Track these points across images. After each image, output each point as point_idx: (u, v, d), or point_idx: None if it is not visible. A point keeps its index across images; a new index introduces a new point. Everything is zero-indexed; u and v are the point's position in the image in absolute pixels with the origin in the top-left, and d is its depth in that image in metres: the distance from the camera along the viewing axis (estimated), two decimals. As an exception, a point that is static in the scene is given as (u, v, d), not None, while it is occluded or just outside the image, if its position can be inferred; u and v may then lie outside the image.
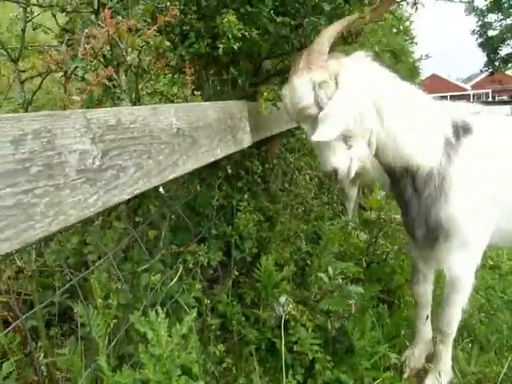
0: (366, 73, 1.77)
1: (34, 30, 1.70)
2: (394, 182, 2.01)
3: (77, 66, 1.09)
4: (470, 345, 2.49)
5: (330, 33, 1.77)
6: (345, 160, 1.75)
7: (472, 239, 1.96)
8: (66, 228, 0.83)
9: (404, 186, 1.95)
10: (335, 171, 1.76)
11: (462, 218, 1.90)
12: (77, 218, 0.86)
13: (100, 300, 1.24)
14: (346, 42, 2.28)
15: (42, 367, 1.40)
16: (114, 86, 1.30)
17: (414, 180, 1.91)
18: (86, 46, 1.08)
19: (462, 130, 1.93)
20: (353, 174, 1.78)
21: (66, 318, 1.91)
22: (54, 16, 1.63)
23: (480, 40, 25.96)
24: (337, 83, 1.71)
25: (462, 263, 2.00)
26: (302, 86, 1.71)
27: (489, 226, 2.00)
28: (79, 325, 1.58)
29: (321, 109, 1.69)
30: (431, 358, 2.29)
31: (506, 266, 3.68)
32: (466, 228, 1.91)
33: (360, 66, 1.78)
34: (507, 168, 1.98)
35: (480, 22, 25.54)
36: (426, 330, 2.37)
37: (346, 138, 1.74)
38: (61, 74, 1.13)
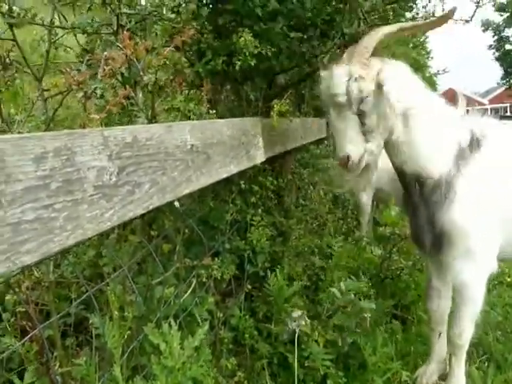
0: (404, 75, 1.89)
1: (56, 49, 1.77)
2: (404, 189, 2.06)
3: (96, 87, 1.13)
4: (485, 363, 2.46)
5: (380, 33, 1.85)
6: (359, 150, 1.82)
7: (476, 247, 1.97)
8: (83, 241, 0.87)
9: (412, 193, 2.01)
10: (348, 158, 1.81)
11: (465, 225, 1.92)
12: (93, 231, 0.90)
13: (116, 312, 1.27)
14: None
15: (58, 377, 1.43)
16: (132, 104, 1.35)
17: (422, 187, 1.96)
18: (105, 67, 1.13)
19: (477, 142, 1.97)
20: (362, 166, 1.85)
21: (82, 328, 1.94)
22: (76, 36, 1.70)
23: (497, 54, 25.86)
24: (377, 79, 1.79)
25: (467, 271, 2.00)
26: (338, 76, 1.80)
27: (494, 236, 2.00)
28: (94, 335, 1.61)
29: (350, 100, 1.77)
30: (445, 377, 2.27)
31: (523, 283, 3.63)
32: (468, 235, 1.93)
33: (400, 68, 1.90)
34: (508, 176, 1.99)
35: (496, 37, 25.47)
36: (440, 348, 2.35)
37: (366, 132, 1.83)
38: (81, 93, 1.18)
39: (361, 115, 1.80)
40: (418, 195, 2.00)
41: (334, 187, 4.02)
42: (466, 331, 2.10)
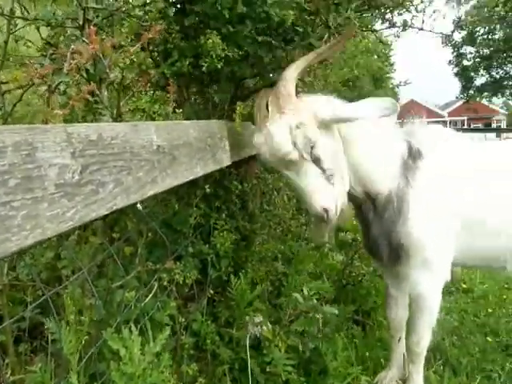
0: (336, 107, 1.79)
1: (16, 42, 1.70)
2: (356, 206, 2.07)
3: (61, 81, 1.09)
4: (442, 367, 2.52)
5: (292, 73, 1.76)
6: (332, 199, 1.74)
7: (433, 257, 2.01)
8: (43, 241, 0.83)
9: (365, 210, 2.02)
10: (326, 211, 1.72)
11: (421, 237, 1.96)
12: (53, 231, 0.86)
13: (72, 316, 1.22)
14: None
15: (10, 384, 1.37)
16: (96, 102, 1.31)
17: (375, 204, 1.98)
18: (71, 61, 1.09)
19: (417, 153, 1.99)
20: (339, 211, 1.77)
21: (37, 334, 1.87)
22: (38, 29, 1.64)
23: (456, 69, 26.83)
24: (321, 120, 1.73)
25: (424, 281, 2.05)
26: (279, 133, 1.68)
27: (449, 244, 2.05)
28: (50, 341, 1.55)
29: (301, 152, 1.68)
30: (405, 381, 2.31)
31: (479, 289, 3.75)
32: (425, 246, 1.97)
33: (329, 100, 1.83)
34: (464, 188, 2.04)
35: (455, 53, 26.45)
36: (399, 354, 2.39)
37: (328, 177, 1.74)
38: (43, 88, 1.13)
39: (317, 162, 1.71)
40: (371, 212, 2.01)
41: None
42: (424, 339, 2.15)
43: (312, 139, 1.69)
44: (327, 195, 1.73)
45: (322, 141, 1.73)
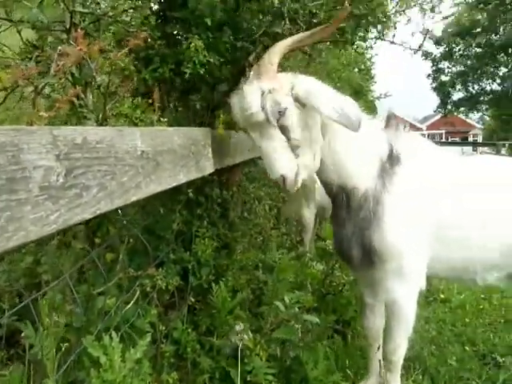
0: (317, 87, 1.84)
1: (-4, 45, 1.68)
2: (332, 202, 2.09)
3: (48, 82, 1.08)
4: (421, 377, 2.54)
5: (280, 46, 1.84)
6: (292, 168, 1.78)
7: (408, 265, 2.02)
8: (26, 244, 0.82)
9: (339, 205, 2.03)
10: (283, 178, 1.78)
11: (395, 243, 1.97)
12: (36, 234, 0.85)
13: (47, 319, 1.20)
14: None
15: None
16: (81, 106, 1.30)
17: (349, 201, 1.99)
18: (58, 63, 1.08)
19: (396, 158, 2.02)
20: (300, 183, 1.81)
21: (13, 342, 1.83)
22: (20, 32, 1.62)
23: (434, 84, 27.32)
24: (295, 91, 1.77)
25: (399, 289, 2.06)
26: (250, 94, 1.76)
27: (423, 252, 2.07)
28: (27, 349, 1.52)
29: (268, 115, 1.74)
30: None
31: (456, 300, 3.80)
32: (400, 252, 1.98)
33: (311, 81, 1.87)
34: (439, 200, 2.06)
35: (434, 68, 26.96)
36: (378, 362, 2.39)
37: (293, 147, 1.79)
38: (29, 89, 1.12)
39: (284, 130, 1.77)
40: (345, 208, 2.02)
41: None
42: (401, 347, 2.16)
43: (282, 105, 1.75)
44: (287, 162, 1.77)
45: (293, 111, 1.78)
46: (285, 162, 1.78)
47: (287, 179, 1.78)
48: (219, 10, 1.92)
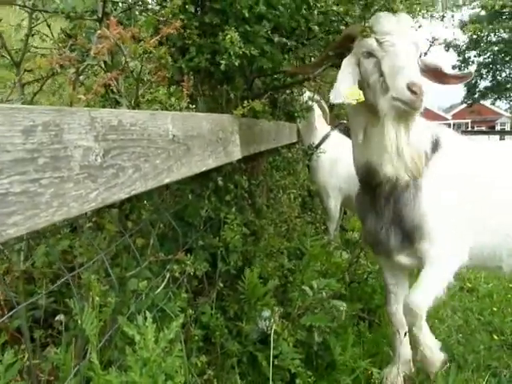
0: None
1: (33, 35, 1.73)
2: (366, 191, 2.11)
3: (88, 64, 1.12)
4: (448, 364, 2.52)
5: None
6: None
7: (444, 238, 2.05)
8: (68, 219, 0.85)
9: (378, 195, 2.04)
10: (413, 84, 1.71)
11: (433, 217, 2.01)
12: (78, 211, 0.88)
13: (97, 297, 1.24)
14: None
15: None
16: (113, 92, 1.33)
17: (391, 189, 2.00)
18: (98, 45, 1.12)
19: (435, 145, 2.05)
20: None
21: (47, 326, 1.88)
22: (49, 27, 1.66)
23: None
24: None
25: (443, 249, 2.06)
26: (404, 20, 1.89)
27: (463, 234, 2.09)
28: (63, 330, 1.57)
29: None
30: (410, 379, 2.31)
31: (483, 288, 3.76)
32: (437, 226, 2.02)
33: None
34: (473, 184, 2.10)
35: (460, 58, 26.49)
36: (403, 350, 2.37)
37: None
38: (69, 72, 1.15)
39: None
40: (385, 196, 2.03)
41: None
42: (427, 295, 2.04)
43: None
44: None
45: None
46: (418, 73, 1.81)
47: (417, 85, 1.69)
48: (261, 4, 1.92)
